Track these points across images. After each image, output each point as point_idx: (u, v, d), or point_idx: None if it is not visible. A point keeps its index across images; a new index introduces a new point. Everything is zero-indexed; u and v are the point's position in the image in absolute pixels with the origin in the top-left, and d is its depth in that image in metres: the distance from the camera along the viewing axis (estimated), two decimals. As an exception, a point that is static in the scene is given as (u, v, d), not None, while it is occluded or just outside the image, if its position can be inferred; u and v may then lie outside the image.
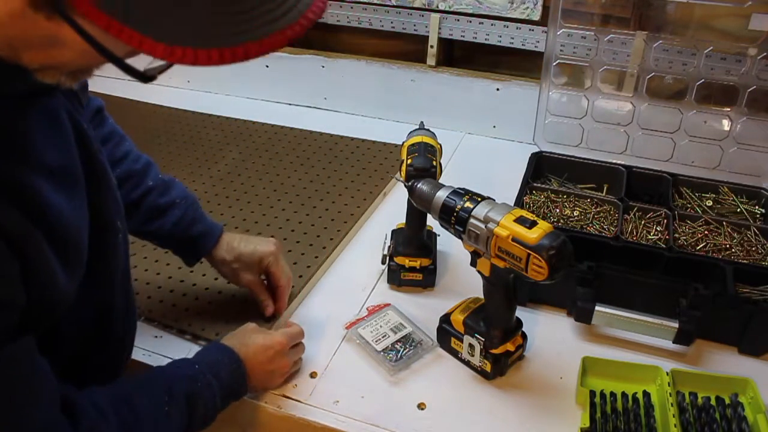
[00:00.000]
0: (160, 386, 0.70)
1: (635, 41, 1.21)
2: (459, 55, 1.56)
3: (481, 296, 0.88)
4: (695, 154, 1.21)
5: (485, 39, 1.44)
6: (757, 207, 1.14)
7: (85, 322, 0.70)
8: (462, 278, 1.04)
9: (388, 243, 1.05)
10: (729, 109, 1.17)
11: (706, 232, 1.07)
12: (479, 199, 0.82)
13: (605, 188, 1.21)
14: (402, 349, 0.91)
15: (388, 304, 0.99)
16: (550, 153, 1.25)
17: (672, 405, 0.81)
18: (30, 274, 0.54)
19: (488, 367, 0.87)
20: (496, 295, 0.84)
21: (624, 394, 0.85)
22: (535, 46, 1.40)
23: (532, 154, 1.24)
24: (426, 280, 1.03)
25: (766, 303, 0.90)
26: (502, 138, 1.50)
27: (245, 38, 0.45)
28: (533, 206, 1.13)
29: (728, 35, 1.15)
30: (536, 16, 1.37)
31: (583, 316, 0.91)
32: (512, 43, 1.42)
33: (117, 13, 0.43)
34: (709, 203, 1.16)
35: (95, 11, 0.42)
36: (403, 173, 0.95)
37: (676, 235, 1.05)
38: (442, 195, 0.84)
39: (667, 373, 0.85)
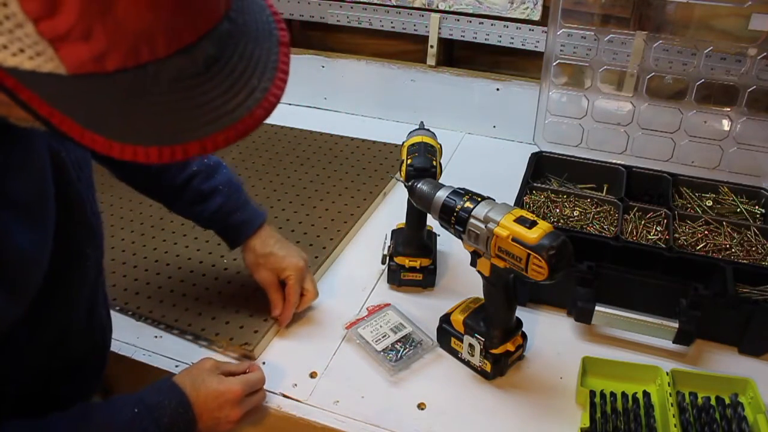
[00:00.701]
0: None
1: (635, 41, 1.21)
2: (459, 55, 1.56)
3: (481, 296, 0.88)
4: (695, 154, 1.21)
5: (485, 39, 1.44)
6: (757, 207, 1.14)
7: (39, 343, 0.68)
8: (462, 278, 1.04)
9: (388, 243, 1.05)
10: (729, 109, 1.17)
11: (706, 232, 1.07)
12: (479, 199, 0.82)
13: (605, 188, 1.21)
14: (402, 349, 0.91)
15: (388, 304, 0.99)
16: (550, 153, 1.25)
17: (672, 405, 0.81)
18: None
19: (488, 367, 0.87)
20: (496, 295, 0.84)
21: (624, 394, 0.85)
22: (535, 46, 1.40)
23: (532, 154, 1.24)
24: (426, 280, 1.03)
25: (766, 303, 0.90)
26: (502, 138, 1.50)
27: (188, 138, 0.44)
28: (533, 206, 1.13)
29: (728, 35, 1.15)
30: (536, 16, 1.37)
31: (583, 316, 0.91)
32: (512, 43, 1.42)
33: (58, 104, 0.42)
34: (709, 203, 1.16)
35: (37, 100, 0.42)
36: (403, 173, 0.95)
37: (676, 235, 1.05)
38: (442, 195, 0.84)
39: (667, 373, 0.85)
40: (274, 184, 1.30)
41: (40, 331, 0.67)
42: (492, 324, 0.86)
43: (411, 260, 1.01)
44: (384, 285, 1.05)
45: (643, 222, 1.09)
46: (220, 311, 0.97)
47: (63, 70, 0.40)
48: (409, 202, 0.95)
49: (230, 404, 0.77)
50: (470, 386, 0.87)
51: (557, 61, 1.24)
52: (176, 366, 0.90)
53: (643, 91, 1.21)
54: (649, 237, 1.06)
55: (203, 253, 1.09)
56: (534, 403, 0.85)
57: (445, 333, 0.91)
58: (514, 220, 0.76)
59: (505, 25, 1.41)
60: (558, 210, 1.12)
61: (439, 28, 1.46)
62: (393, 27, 1.51)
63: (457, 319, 0.89)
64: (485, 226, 0.78)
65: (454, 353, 0.91)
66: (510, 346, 0.86)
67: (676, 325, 0.88)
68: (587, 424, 0.79)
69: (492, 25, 1.41)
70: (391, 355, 0.90)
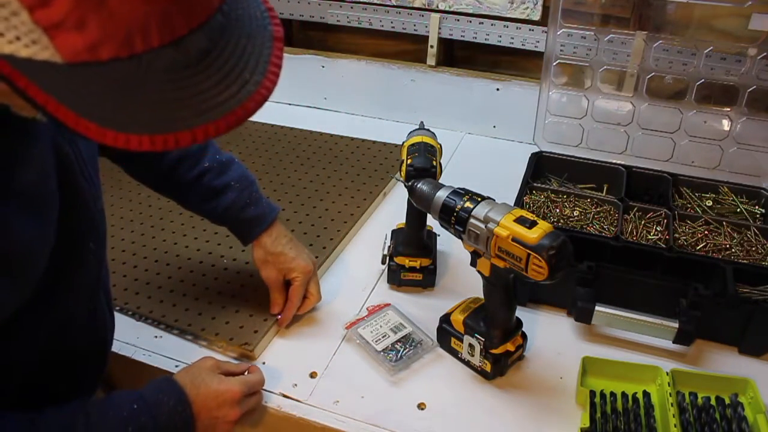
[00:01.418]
0: (83, 429, 0.66)
1: (635, 41, 1.21)
2: (459, 55, 1.56)
3: (481, 296, 0.88)
4: (695, 154, 1.21)
5: (485, 39, 1.44)
6: (757, 207, 1.14)
7: (40, 337, 0.69)
8: (462, 278, 1.04)
9: (388, 243, 1.05)
10: (729, 109, 1.17)
11: (706, 232, 1.07)
12: (479, 199, 0.82)
13: (605, 188, 1.21)
14: (402, 349, 0.91)
15: (388, 304, 0.99)
16: (550, 153, 1.25)
17: (672, 405, 0.81)
18: None
19: (488, 367, 0.87)
20: (496, 295, 0.84)
21: (624, 394, 0.85)
22: (535, 46, 1.40)
23: (532, 154, 1.24)
24: (426, 280, 1.03)
25: (766, 303, 0.90)
26: (502, 138, 1.50)
27: (179, 127, 0.45)
28: (533, 206, 1.13)
29: (728, 35, 1.15)
30: (536, 16, 1.37)
31: (583, 316, 0.91)
32: (512, 43, 1.42)
33: (54, 92, 0.43)
34: (709, 203, 1.16)
35: (33, 87, 0.43)
36: (403, 173, 0.95)
37: (676, 235, 1.05)
38: (442, 195, 0.84)
39: (667, 373, 0.85)
40: (274, 184, 1.30)
41: (42, 324, 0.67)
42: (492, 324, 0.86)
43: (411, 260, 1.01)
44: (384, 285, 1.05)
45: (643, 222, 1.09)
46: (220, 311, 0.97)
47: (59, 59, 0.41)
48: (409, 202, 0.95)
49: (229, 404, 0.77)
50: (470, 386, 0.87)
51: (557, 61, 1.24)
52: (176, 366, 0.90)
53: (643, 91, 1.21)
54: (649, 237, 1.06)
55: (203, 253, 1.09)
56: (534, 403, 0.85)
57: (445, 333, 0.91)
58: (514, 220, 0.76)
59: (505, 25, 1.41)
60: (558, 210, 1.12)
61: (439, 28, 1.46)
62: (393, 27, 1.51)
63: (457, 319, 0.89)
64: (485, 226, 0.78)
65: (454, 353, 0.91)
66: (510, 346, 0.86)
67: (676, 325, 0.88)
68: (587, 424, 0.79)
69: (492, 25, 1.41)
70: (391, 355, 0.90)
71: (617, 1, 1.21)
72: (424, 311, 0.98)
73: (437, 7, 1.45)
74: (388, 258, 1.03)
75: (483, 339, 0.86)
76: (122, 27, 0.40)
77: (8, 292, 0.58)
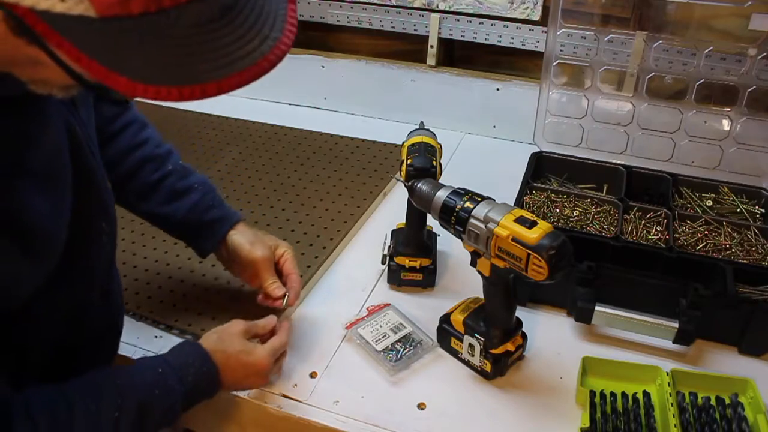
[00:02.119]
0: (111, 393, 0.67)
1: (635, 41, 1.21)
2: (459, 55, 1.55)
3: (481, 296, 0.88)
4: (695, 154, 1.21)
5: (485, 39, 1.44)
6: (757, 207, 1.14)
7: (58, 318, 0.70)
8: (462, 278, 1.04)
9: (388, 243, 1.05)
10: (729, 109, 1.17)
11: (706, 232, 1.07)
12: (479, 199, 0.82)
13: (605, 188, 1.21)
14: (402, 349, 0.91)
15: (388, 304, 0.99)
16: (550, 153, 1.25)
17: (672, 405, 0.81)
18: None
19: (488, 367, 0.87)
20: (496, 295, 0.84)
21: (624, 394, 0.85)
22: (535, 46, 1.40)
23: (532, 154, 1.24)
24: (426, 280, 1.03)
25: (766, 303, 0.90)
26: (502, 138, 1.50)
27: (205, 78, 0.47)
28: (533, 206, 1.13)
29: (728, 35, 1.15)
30: (536, 16, 1.37)
31: (583, 316, 0.92)
32: (512, 43, 1.42)
33: (86, 47, 0.44)
34: (709, 203, 1.16)
35: (66, 44, 0.44)
36: (403, 173, 0.95)
37: (676, 235, 1.05)
38: (442, 195, 0.84)
39: (667, 373, 0.85)
40: (274, 184, 1.30)
41: (58, 306, 0.68)
42: (492, 324, 0.86)
43: (411, 260, 1.01)
44: (384, 285, 1.05)
45: (643, 222, 1.09)
46: (220, 311, 0.97)
47: (92, 12, 0.42)
48: (409, 202, 0.95)
49: (257, 375, 0.81)
50: (470, 386, 0.87)
51: (557, 61, 1.24)
52: (176, 366, 0.90)
53: (643, 91, 1.21)
54: (649, 237, 1.06)
55: (203, 253, 1.09)
56: (534, 403, 0.85)
57: (445, 333, 0.91)
58: (514, 220, 0.76)
59: (505, 25, 1.41)
60: (558, 210, 1.12)
61: (439, 28, 1.46)
62: (393, 27, 1.51)
63: (457, 319, 0.89)
64: (485, 226, 0.78)
65: (454, 353, 0.91)
66: (510, 346, 0.86)
67: (676, 325, 0.88)
68: (587, 424, 0.79)
69: (492, 25, 1.41)
70: (391, 355, 0.90)
71: (617, 1, 1.21)
72: (424, 311, 0.98)
73: (437, 7, 1.45)
74: (388, 258, 1.03)
75: (483, 339, 0.86)
76: None
77: (27, 268, 0.59)
